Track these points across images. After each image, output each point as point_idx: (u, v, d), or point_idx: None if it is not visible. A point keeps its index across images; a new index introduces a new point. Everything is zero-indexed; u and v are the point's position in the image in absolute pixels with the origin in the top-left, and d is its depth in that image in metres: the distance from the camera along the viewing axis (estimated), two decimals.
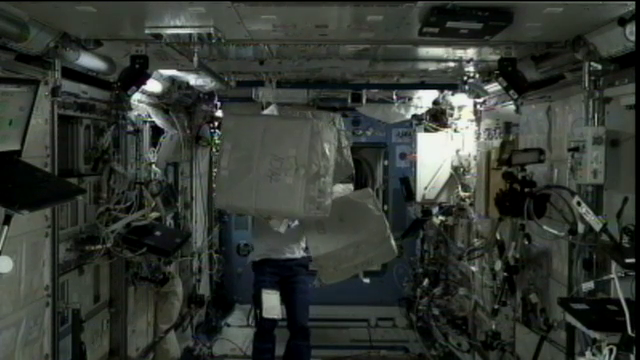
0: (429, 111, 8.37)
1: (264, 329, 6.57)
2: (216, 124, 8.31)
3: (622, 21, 3.64)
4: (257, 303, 6.53)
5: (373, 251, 5.98)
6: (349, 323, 9.03)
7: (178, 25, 4.18)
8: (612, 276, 3.59)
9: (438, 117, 8.26)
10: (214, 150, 8.56)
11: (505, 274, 5.57)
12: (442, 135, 8.02)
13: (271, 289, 6.44)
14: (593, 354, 3.53)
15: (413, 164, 8.68)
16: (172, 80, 6.86)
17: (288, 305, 6.75)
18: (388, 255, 6.24)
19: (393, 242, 6.11)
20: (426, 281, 8.10)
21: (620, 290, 3.42)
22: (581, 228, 4.34)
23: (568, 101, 4.86)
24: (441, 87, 7.65)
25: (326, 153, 4.91)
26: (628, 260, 3.40)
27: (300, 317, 6.71)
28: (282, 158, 4.73)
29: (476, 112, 7.29)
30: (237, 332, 8.94)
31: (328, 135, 4.99)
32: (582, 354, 3.72)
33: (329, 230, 5.71)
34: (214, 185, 7.42)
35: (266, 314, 6.33)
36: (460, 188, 7.61)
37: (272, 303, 6.33)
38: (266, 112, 5.88)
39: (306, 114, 5.74)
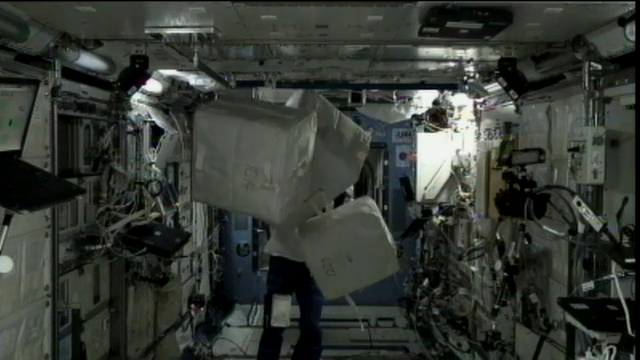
0: (429, 111, 8.37)
1: (271, 334, 6.47)
2: None
3: (622, 21, 3.64)
4: (267, 307, 6.39)
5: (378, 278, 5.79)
6: (349, 323, 9.02)
7: (178, 25, 4.18)
8: (612, 276, 3.58)
9: (438, 117, 8.26)
10: None
11: (505, 274, 5.56)
12: (442, 135, 8.02)
13: (283, 294, 6.28)
14: (593, 354, 3.53)
15: (413, 164, 8.68)
16: (172, 80, 6.86)
17: (301, 305, 6.65)
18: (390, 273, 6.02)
19: (397, 260, 5.83)
20: (426, 281, 8.10)
21: (620, 290, 3.42)
22: (581, 228, 4.33)
23: (568, 101, 4.86)
24: (441, 87, 7.64)
25: (305, 150, 4.71)
26: (628, 260, 3.40)
27: (313, 318, 6.62)
28: (257, 168, 4.45)
29: (476, 112, 7.29)
30: (237, 332, 8.95)
31: (307, 132, 4.74)
32: (582, 354, 3.73)
33: (338, 272, 5.28)
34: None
35: (274, 322, 6.22)
36: (460, 188, 7.61)
37: (282, 310, 6.21)
38: (291, 98, 5.67)
39: (332, 114, 5.47)
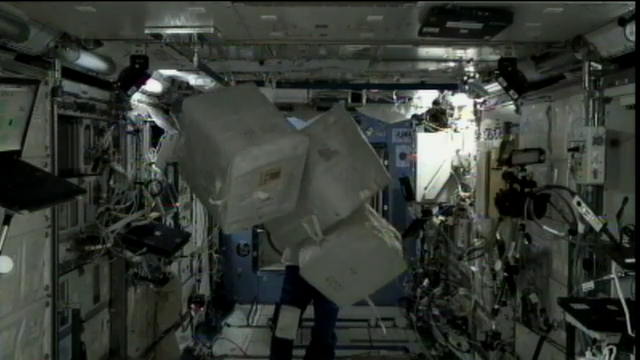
0: (429, 111, 8.37)
1: (280, 341, 6.35)
2: None
3: (622, 21, 3.64)
4: (275, 316, 6.30)
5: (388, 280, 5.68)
6: (349, 323, 9.02)
7: (178, 25, 4.19)
8: (612, 276, 3.59)
9: (438, 117, 8.26)
10: None
11: (505, 274, 5.57)
12: (442, 135, 8.02)
13: (293, 305, 6.16)
14: (593, 354, 3.53)
15: (413, 164, 8.67)
16: (172, 80, 6.87)
17: (316, 310, 6.58)
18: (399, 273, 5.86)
19: (403, 259, 5.41)
20: (426, 281, 8.09)
21: (620, 290, 3.43)
22: (581, 228, 4.33)
23: (568, 101, 4.86)
24: (441, 87, 7.65)
25: (277, 174, 4.43)
26: (628, 260, 3.40)
27: (326, 325, 6.60)
28: (214, 177, 4.35)
29: (476, 112, 7.29)
30: (237, 332, 8.95)
31: (283, 154, 4.39)
32: (582, 354, 3.73)
33: (344, 284, 5.14)
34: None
35: (279, 333, 6.14)
36: (460, 188, 7.61)
37: (287, 322, 6.10)
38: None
39: (347, 141, 5.02)
